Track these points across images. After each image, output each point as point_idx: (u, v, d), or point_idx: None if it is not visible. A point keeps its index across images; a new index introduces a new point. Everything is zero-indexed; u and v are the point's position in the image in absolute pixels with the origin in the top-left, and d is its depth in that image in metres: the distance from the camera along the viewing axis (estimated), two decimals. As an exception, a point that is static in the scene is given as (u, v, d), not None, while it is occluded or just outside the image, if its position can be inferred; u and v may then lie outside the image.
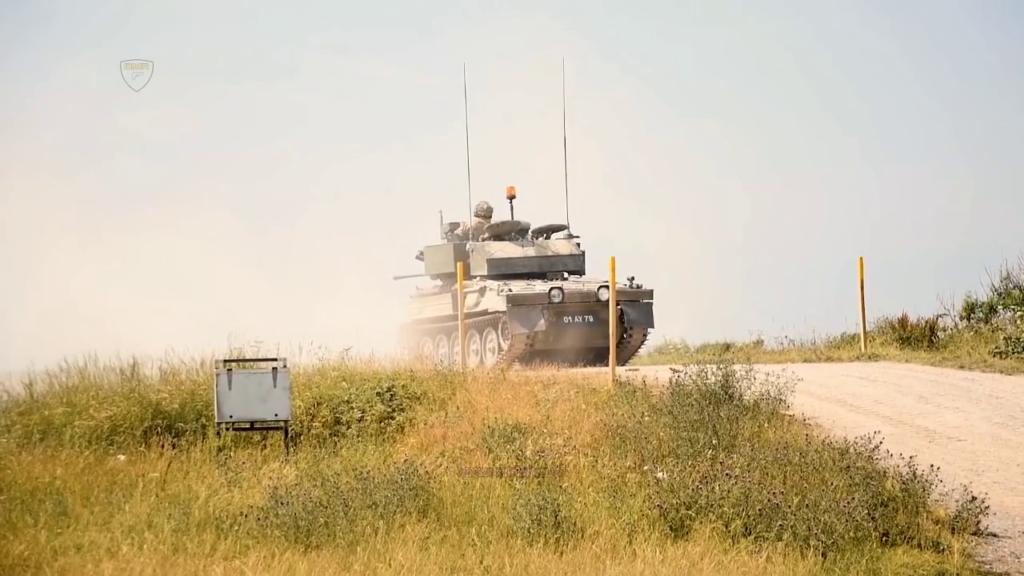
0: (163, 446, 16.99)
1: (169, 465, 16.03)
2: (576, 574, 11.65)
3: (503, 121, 37.09)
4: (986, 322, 26.94)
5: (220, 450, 16.81)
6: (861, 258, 24.05)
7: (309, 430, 17.91)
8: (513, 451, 15.31)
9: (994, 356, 22.63)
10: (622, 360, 24.62)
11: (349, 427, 17.91)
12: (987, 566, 12.54)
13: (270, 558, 12.18)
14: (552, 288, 24.87)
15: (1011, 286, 27.71)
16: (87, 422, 17.53)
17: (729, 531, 12.67)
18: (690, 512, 12.96)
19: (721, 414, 15.96)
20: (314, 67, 43.26)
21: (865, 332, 24.80)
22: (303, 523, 12.94)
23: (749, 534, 12.66)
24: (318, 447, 17.10)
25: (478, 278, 26.02)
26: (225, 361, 17.23)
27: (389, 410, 18.23)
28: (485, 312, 25.42)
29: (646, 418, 16.16)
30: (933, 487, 13.64)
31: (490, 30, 41.49)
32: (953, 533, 13.14)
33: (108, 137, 38.62)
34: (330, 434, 17.78)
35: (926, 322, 25.92)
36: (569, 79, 27.16)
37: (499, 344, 25.13)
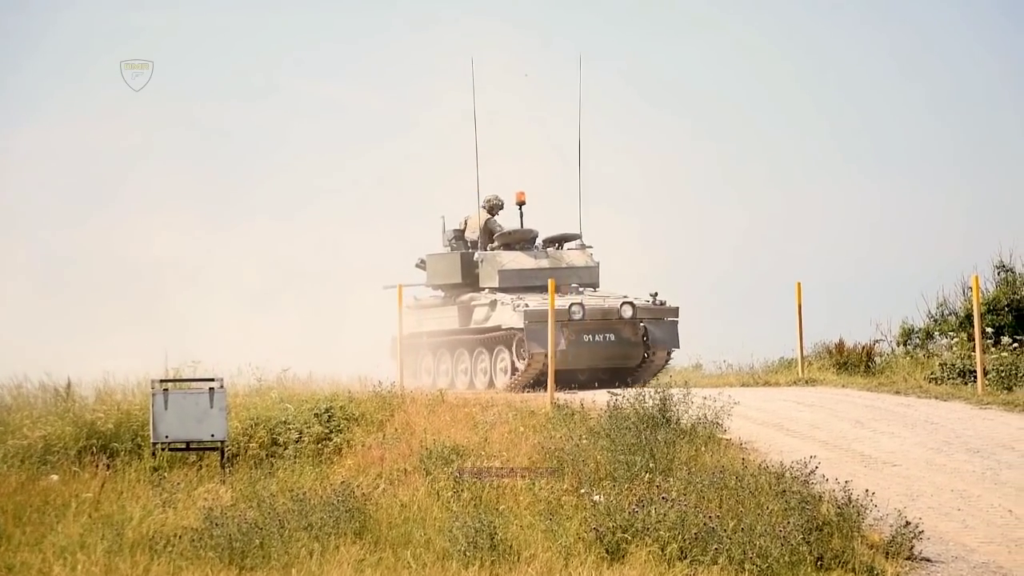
0: (97, 466, 16.84)
1: (103, 485, 15.89)
2: (511, 597, 11.64)
3: (512, 123, 35.87)
4: (922, 348, 27.16)
5: (155, 471, 16.68)
6: (799, 283, 24.20)
7: (246, 451, 17.80)
8: (450, 473, 15.28)
9: (930, 382, 22.78)
10: (642, 381, 23.21)
11: (286, 448, 17.82)
12: (920, 591, 12.62)
13: (204, 579, 12.12)
14: (572, 304, 23.37)
15: (947, 312, 27.94)
16: (20, 441, 17.36)
17: (665, 555, 12.69)
18: (626, 535, 12.96)
19: (658, 437, 16.01)
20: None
21: (803, 357, 24.93)
22: (238, 544, 12.86)
23: (685, 558, 12.68)
24: (255, 468, 16.99)
25: (487, 290, 24.49)
26: (161, 381, 17.12)
27: (327, 431, 18.17)
28: (497, 328, 23.76)
29: (583, 441, 16.18)
30: (868, 512, 13.71)
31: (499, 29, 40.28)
32: (887, 558, 13.20)
33: (40, 151, 38.13)
34: (267, 455, 17.68)
35: (863, 347, 26.08)
36: (587, 76, 25.61)
37: (512, 363, 23.48)
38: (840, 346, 26.17)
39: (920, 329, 27.98)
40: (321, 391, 19.50)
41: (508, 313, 23.47)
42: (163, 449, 16.95)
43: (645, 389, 17.83)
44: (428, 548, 13.00)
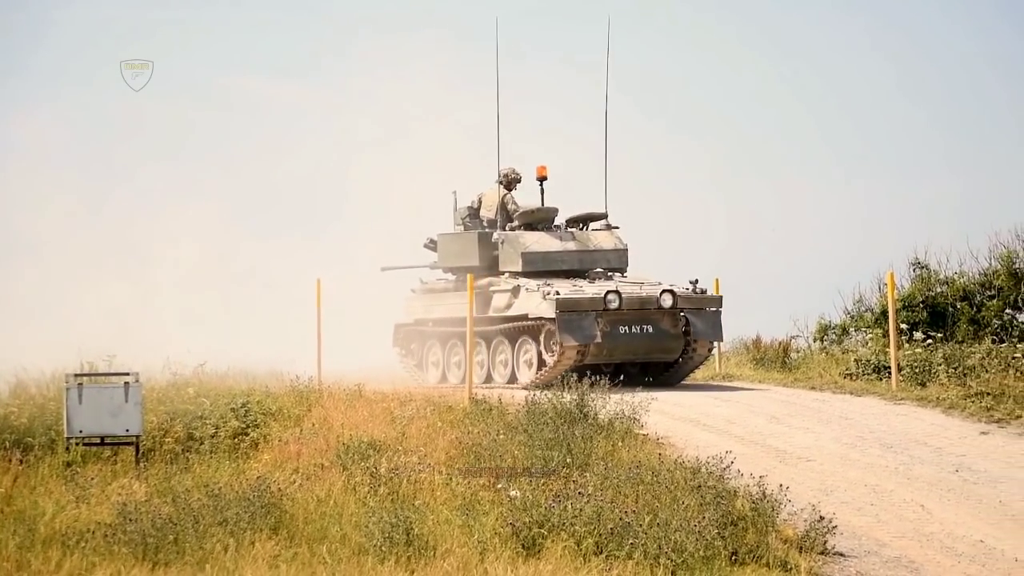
0: (10, 461, 16.65)
1: (15, 480, 15.73)
2: (427, 592, 11.64)
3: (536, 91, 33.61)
4: (839, 344, 27.42)
5: (69, 465, 16.53)
6: (717, 279, 24.35)
7: (161, 446, 17.68)
8: (367, 468, 15.25)
9: (845, 377, 22.99)
10: (680, 377, 22.34)
11: (202, 443, 17.72)
12: (833, 585, 12.73)
13: (117, 575, 12.01)
14: (608, 292, 21.27)
15: (863, 309, 28.22)
16: (-68, 437, 17.17)
17: (581, 549, 12.71)
18: (542, 530, 12.97)
19: (576, 433, 16.06)
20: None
21: (720, 352, 25.07)
22: (151, 540, 12.76)
23: (601, 552, 12.71)
24: (170, 463, 16.88)
25: (507, 274, 22.41)
26: (76, 375, 16.97)
27: (243, 426, 18.07)
28: (523, 317, 21.66)
29: (501, 436, 16.20)
30: (782, 507, 13.81)
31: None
32: (801, 552, 13.30)
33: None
34: (183, 450, 17.57)
35: (780, 343, 26.30)
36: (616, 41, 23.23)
37: (538, 356, 21.57)
38: (757, 342, 26.39)
39: (837, 325, 28.26)
40: (238, 386, 19.41)
41: (536, 301, 21.45)
42: (77, 444, 16.81)
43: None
44: (344, 543, 12.96)
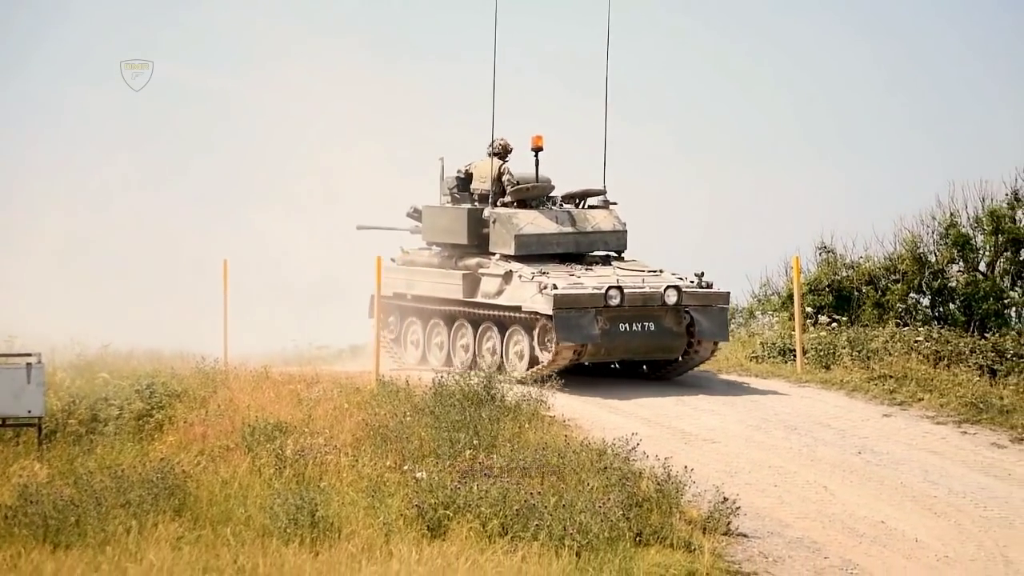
0: (-91, 442, 16.44)
1: (-86, 462, 15.52)
2: (330, 574, 11.58)
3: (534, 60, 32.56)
4: (746, 327, 27.62)
5: (-32, 447, 16.33)
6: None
7: (65, 427, 17.48)
8: (273, 450, 15.17)
9: (751, 360, 23.16)
10: (680, 373, 20.94)
11: (106, 425, 17.54)
12: (736, 566, 12.81)
13: (16, 557, 11.88)
14: (610, 288, 19.65)
15: (770, 292, 28.47)
16: None
17: (486, 531, 12.72)
18: (448, 512, 12.97)
19: (483, 414, 16.07)
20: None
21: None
22: (53, 522, 12.63)
23: (506, 534, 12.73)
24: (73, 445, 16.70)
25: (499, 256, 20.77)
26: (-23, 356, 16.76)
27: (148, 408, 17.91)
28: (516, 309, 20.05)
29: (408, 418, 16.17)
30: (687, 488, 13.90)
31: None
32: (705, 533, 13.39)
33: None
34: (86, 432, 17.37)
35: (688, 326, 26.39)
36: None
37: (530, 350, 20.04)
38: (665, 325, 26.45)
39: (744, 308, 28.48)
40: (143, 367, 19.24)
41: (531, 292, 19.86)
42: (-22, 425, 16.59)
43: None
44: (248, 525, 12.89)
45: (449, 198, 21.91)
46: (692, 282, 20.35)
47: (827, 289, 26.89)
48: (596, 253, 21.32)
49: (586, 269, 20.51)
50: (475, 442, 15.19)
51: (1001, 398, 19.34)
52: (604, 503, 12.92)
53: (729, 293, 20.87)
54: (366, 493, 13.70)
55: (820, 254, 27.75)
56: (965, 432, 18.20)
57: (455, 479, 13.50)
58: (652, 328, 19.87)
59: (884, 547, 13.45)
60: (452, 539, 12.52)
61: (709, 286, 20.28)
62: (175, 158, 36.83)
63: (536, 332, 19.86)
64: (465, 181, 21.83)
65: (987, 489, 15.46)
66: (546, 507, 12.88)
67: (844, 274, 27.13)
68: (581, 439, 15.87)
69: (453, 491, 13.13)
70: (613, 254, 21.37)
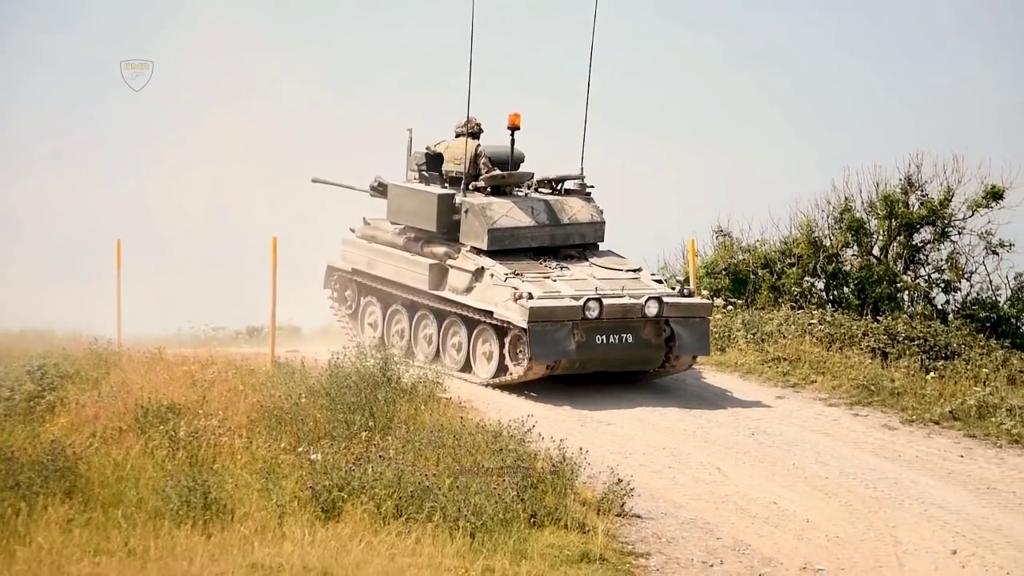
0: None
1: None
2: (223, 556, 11.49)
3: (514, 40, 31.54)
4: (643, 310, 27.71)
5: None
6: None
7: (-47, 409, 17.24)
8: (166, 432, 15.04)
9: (648, 343, 23.23)
10: (656, 378, 20.03)
11: (-4, 406, 17.31)
12: (630, 546, 12.88)
13: (-100, 542, 11.70)
14: (588, 300, 18.55)
15: (667, 275, 28.59)
16: None
17: (380, 512, 12.69)
18: (342, 494, 12.92)
19: (379, 396, 16.02)
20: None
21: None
22: (-61, 506, 12.45)
23: (400, 515, 12.71)
24: (-38, 427, 16.46)
25: (470, 249, 19.72)
26: None
27: (39, 389, 17.69)
28: (487, 313, 19.05)
29: (303, 400, 16.09)
30: (581, 469, 13.95)
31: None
32: (599, 514, 13.45)
33: None
34: (-25, 414, 17.14)
35: (585, 309, 26.45)
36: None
37: (500, 356, 19.08)
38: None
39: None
40: (33, 347, 19.00)
41: (503, 298, 18.87)
42: None
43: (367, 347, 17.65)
44: (140, 507, 12.77)
45: (417, 174, 20.74)
46: (673, 289, 19.77)
47: (723, 272, 27.07)
48: (572, 244, 20.26)
49: (561, 268, 19.59)
50: (371, 424, 15.16)
51: (892, 380, 19.60)
52: (499, 485, 12.93)
53: (712, 304, 20.26)
54: (260, 475, 13.62)
55: (717, 237, 27.92)
56: (857, 414, 18.43)
57: (350, 461, 13.46)
58: (630, 340, 18.93)
59: (776, 527, 13.59)
60: (346, 521, 12.47)
61: (689, 295, 19.45)
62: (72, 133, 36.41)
63: (508, 339, 18.95)
64: (434, 159, 20.61)
65: (877, 470, 15.67)
66: (440, 489, 12.88)
67: (740, 257, 27.31)
68: (477, 421, 15.89)
69: (348, 473, 13.09)
70: (591, 248, 20.42)
